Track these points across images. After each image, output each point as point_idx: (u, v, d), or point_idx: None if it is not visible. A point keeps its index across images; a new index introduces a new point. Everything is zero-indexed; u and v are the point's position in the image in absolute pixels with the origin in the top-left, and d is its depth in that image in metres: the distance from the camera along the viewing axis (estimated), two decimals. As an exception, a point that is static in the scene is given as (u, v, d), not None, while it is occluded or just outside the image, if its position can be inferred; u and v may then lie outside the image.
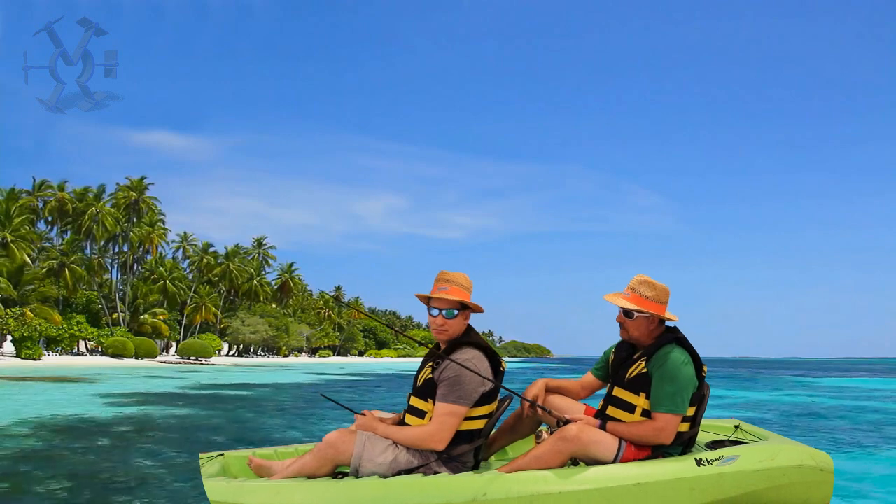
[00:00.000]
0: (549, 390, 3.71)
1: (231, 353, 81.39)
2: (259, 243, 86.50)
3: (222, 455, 3.83)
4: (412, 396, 3.47)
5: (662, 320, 3.52)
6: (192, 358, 63.00)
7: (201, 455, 3.83)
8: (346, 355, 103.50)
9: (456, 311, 3.42)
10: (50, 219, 63.29)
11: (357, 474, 3.30)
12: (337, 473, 3.39)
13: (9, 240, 50.98)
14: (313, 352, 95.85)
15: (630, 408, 3.42)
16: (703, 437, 3.97)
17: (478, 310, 3.51)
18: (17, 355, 44.97)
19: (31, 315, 45.63)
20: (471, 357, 3.33)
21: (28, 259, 52.83)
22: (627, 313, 3.48)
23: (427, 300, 3.48)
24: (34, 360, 44.47)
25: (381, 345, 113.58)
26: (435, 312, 3.43)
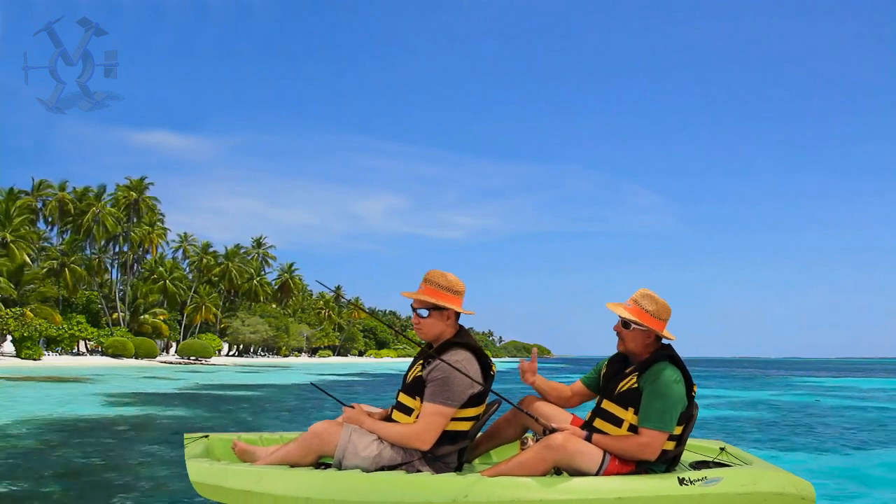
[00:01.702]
0: (542, 390, 3.74)
1: (231, 353, 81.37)
2: (258, 243, 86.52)
3: (207, 437, 3.85)
4: (401, 393, 3.49)
5: (659, 336, 3.54)
6: (192, 358, 63.00)
7: (186, 435, 3.85)
8: (346, 355, 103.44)
9: (426, 311, 3.45)
10: (50, 219, 63.33)
11: (340, 466, 3.31)
12: (320, 464, 3.40)
13: (9, 240, 51.02)
14: (313, 352, 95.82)
15: (617, 421, 3.43)
16: (687, 456, 3.98)
17: (455, 310, 3.48)
18: (17, 355, 44.98)
19: (31, 315, 45.65)
20: (461, 358, 3.34)
21: (28, 259, 52.85)
22: (625, 324, 3.50)
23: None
24: (34, 360, 44.49)
25: (381, 345, 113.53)
26: (412, 311, 3.50)
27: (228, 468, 3.27)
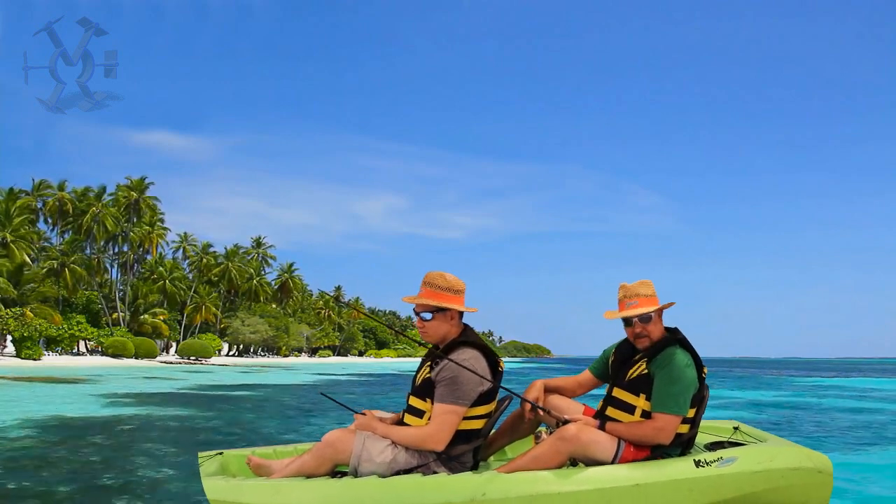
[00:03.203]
0: (548, 390, 3.71)
1: (231, 353, 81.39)
2: (258, 243, 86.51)
3: (221, 454, 3.84)
4: (411, 396, 3.47)
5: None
6: (192, 358, 63.01)
7: (200, 454, 3.83)
8: (346, 355, 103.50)
9: (429, 314, 3.42)
10: (50, 219, 63.32)
11: (356, 474, 3.30)
12: (336, 473, 3.39)
13: (9, 240, 51.01)
14: (313, 352, 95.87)
15: (630, 409, 3.42)
16: (702, 438, 3.98)
17: (458, 310, 3.45)
18: (17, 355, 44.98)
19: (31, 315, 45.64)
20: (469, 357, 3.32)
21: (28, 259, 52.86)
22: (646, 318, 3.45)
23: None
24: (34, 360, 44.48)
25: (381, 345, 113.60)
26: (415, 315, 3.47)
27: (245, 483, 3.26)
